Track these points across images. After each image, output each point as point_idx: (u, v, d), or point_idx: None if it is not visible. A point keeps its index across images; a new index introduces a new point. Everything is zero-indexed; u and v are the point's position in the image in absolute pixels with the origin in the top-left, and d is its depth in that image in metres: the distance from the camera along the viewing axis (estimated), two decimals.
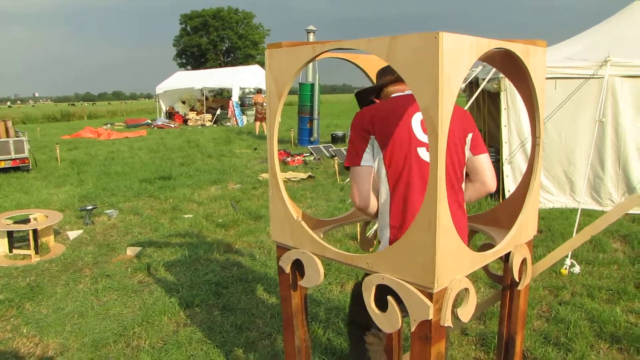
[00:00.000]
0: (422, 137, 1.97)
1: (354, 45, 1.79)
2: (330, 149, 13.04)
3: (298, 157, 12.23)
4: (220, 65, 50.24)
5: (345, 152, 12.43)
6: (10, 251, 5.35)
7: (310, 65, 14.69)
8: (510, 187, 6.72)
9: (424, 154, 1.96)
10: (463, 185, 2.12)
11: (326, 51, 1.91)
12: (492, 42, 1.74)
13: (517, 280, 2.16)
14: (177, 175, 9.83)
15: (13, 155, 10.17)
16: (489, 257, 1.96)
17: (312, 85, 15.05)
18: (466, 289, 1.79)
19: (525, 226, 2.17)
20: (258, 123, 18.59)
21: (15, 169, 10.45)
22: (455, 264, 1.73)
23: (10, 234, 5.32)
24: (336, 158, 11.18)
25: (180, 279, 4.59)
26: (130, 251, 5.43)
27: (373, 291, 1.85)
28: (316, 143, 15.08)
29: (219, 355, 3.24)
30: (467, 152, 2.12)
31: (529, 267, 2.21)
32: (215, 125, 24.41)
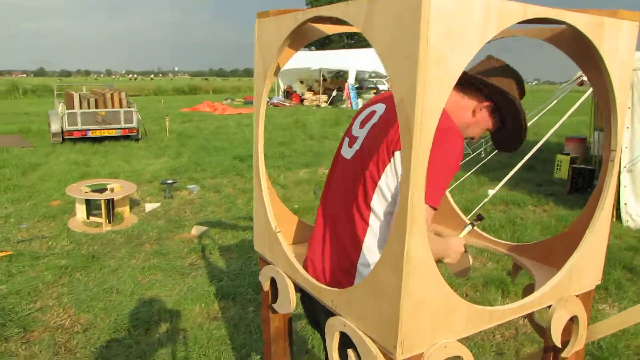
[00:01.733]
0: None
1: (331, 11, 1.33)
2: None
3: None
4: (343, 48, 50.40)
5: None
6: (88, 218, 5.57)
7: None
8: (628, 200, 5.67)
9: (345, 149, 1.60)
10: (372, 216, 1.48)
11: (311, 21, 1.47)
12: (529, 9, 1.18)
13: (559, 345, 1.56)
14: (272, 154, 9.78)
15: (123, 125, 10.84)
16: (508, 314, 1.40)
17: None
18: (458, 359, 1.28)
19: (580, 272, 1.55)
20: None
21: (125, 137, 11.14)
22: (439, 321, 1.23)
23: (88, 202, 5.53)
24: None
25: (230, 267, 4.40)
26: (195, 230, 5.38)
27: (336, 337, 1.40)
28: None
29: None
30: (393, 173, 1.43)
31: (581, 329, 1.59)
32: (330, 107, 24.45)
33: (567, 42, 1.58)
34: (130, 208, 6.04)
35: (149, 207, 6.21)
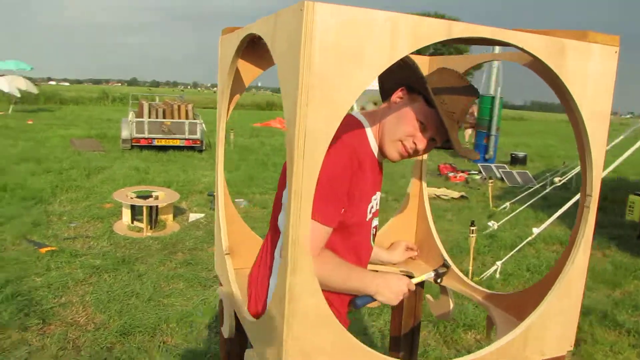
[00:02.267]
0: None
1: (255, 28, 1.26)
2: (501, 170, 11.70)
3: (462, 174, 11.27)
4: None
5: (519, 177, 11.05)
6: (132, 222, 5.80)
7: (493, 75, 13.42)
8: None
9: None
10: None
11: (249, 39, 1.41)
12: (454, 27, 1.05)
13: None
14: None
15: (187, 136, 11.28)
16: None
17: (493, 98, 13.72)
18: None
19: (541, 334, 1.36)
20: (469, 131, 17.77)
21: (189, 148, 11.59)
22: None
23: (133, 207, 5.76)
24: (491, 182, 9.82)
25: None
26: None
27: None
28: (491, 161, 13.75)
29: None
30: None
31: None
32: None
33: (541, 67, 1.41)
34: (175, 216, 6.22)
35: (193, 217, 6.37)
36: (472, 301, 1.75)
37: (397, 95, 1.42)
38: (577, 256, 1.31)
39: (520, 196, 8.00)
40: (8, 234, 5.12)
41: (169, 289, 4.16)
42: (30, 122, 16.48)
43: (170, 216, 6.09)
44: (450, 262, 1.81)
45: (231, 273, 1.60)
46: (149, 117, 11.11)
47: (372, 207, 1.47)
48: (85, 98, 32.03)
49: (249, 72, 1.73)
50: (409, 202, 2.10)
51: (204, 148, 11.86)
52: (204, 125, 11.93)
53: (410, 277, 1.59)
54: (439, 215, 7.40)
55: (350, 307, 1.50)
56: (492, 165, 12.08)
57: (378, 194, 1.52)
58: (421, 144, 1.39)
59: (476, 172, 11.61)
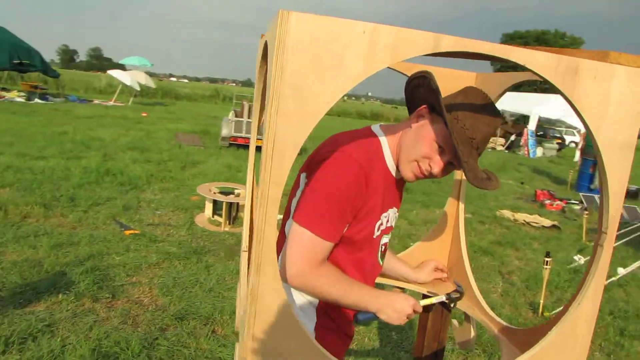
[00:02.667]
0: None
1: (267, 35, 1.31)
2: None
3: (559, 202, 10.56)
4: (534, 91, 47.37)
5: (625, 212, 10.09)
6: (212, 216, 6.12)
7: None
8: None
9: None
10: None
11: None
12: (444, 40, 1.01)
13: None
14: (417, 189, 9.58)
15: (244, 134, 11.55)
16: None
17: None
18: None
19: None
20: (578, 153, 16.76)
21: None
22: None
23: (215, 202, 6.08)
24: (587, 213, 9.07)
25: None
26: None
27: None
28: (596, 192, 12.69)
29: None
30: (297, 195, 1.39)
31: None
32: (506, 151, 23.10)
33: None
34: None
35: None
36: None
37: (419, 114, 1.39)
38: (584, 299, 1.20)
39: (620, 231, 7.31)
40: (102, 214, 5.64)
41: (232, 283, 4.33)
42: (144, 115, 17.93)
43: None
44: (473, 285, 1.73)
45: (243, 269, 1.65)
46: (249, 117, 11.62)
47: (381, 224, 1.45)
48: (199, 95, 34.31)
49: None
50: (446, 222, 2.03)
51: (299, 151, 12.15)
52: None
53: (428, 296, 1.56)
54: (525, 242, 7.01)
55: (354, 322, 1.50)
56: (595, 196, 11.14)
57: (391, 211, 1.50)
58: (437, 167, 1.36)
59: (577, 202, 10.81)
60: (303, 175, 1.39)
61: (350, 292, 1.33)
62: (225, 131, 11.63)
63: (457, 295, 1.57)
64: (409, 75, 1.44)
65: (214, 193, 6.07)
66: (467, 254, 1.90)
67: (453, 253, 2.00)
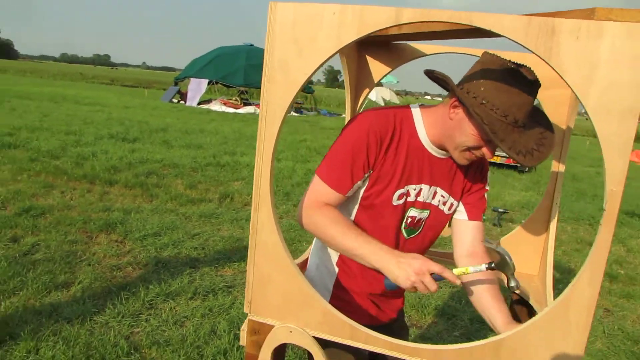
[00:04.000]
0: None
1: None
2: None
3: None
4: None
5: None
6: None
7: None
8: None
9: None
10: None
11: None
12: (404, 13, 1.11)
13: None
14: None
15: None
16: (374, 342, 1.27)
17: None
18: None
19: (522, 355, 1.20)
20: None
21: (509, 166, 11.39)
22: (289, 304, 1.34)
23: None
24: None
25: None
26: None
27: None
28: None
29: None
30: None
31: None
32: None
33: None
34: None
35: None
36: None
37: (454, 104, 1.37)
38: (579, 281, 1.11)
39: None
40: None
41: None
42: None
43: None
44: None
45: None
46: None
47: (406, 194, 1.45)
48: None
49: (378, 69, 1.96)
50: (541, 214, 1.93)
51: (525, 169, 11.47)
52: None
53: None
54: None
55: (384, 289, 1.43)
56: None
57: (425, 187, 1.48)
58: (488, 154, 1.38)
59: None
60: None
61: (350, 235, 1.31)
62: None
63: (503, 264, 1.41)
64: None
65: None
66: (552, 252, 1.77)
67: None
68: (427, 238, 1.59)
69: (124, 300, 3.35)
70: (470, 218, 1.59)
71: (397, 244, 1.51)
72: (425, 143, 1.46)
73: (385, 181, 1.42)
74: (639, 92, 1.01)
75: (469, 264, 1.51)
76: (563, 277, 4.97)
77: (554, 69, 1.06)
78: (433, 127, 1.45)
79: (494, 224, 6.68)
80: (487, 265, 1.38)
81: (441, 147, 1.46)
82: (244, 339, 1.41)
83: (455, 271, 1.33)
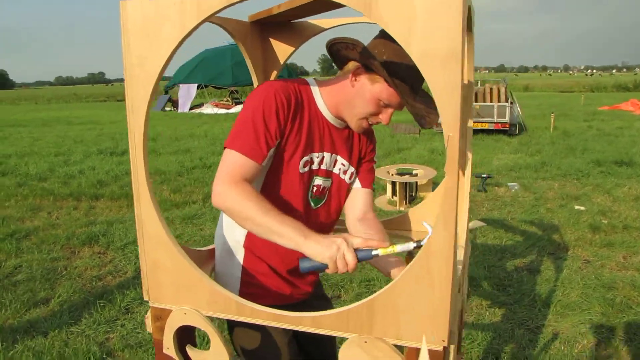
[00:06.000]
0: None
1: None
2: None
3: None
4: None
5: None
6: (392, 197, 6.39)
7: None
8: None
9: None
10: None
11: None
12: None
13: None
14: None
15: (495, 119, 11.08)
16: (259, 315, 1.32)
17: None
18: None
19: (396, 317, 1.23)
20: None
21: (498, 131, 11.35)
22: (180, 288, 1.39)
23: (394, 183, 6.34)
24: None
25: None
26: (472, 224, 5.39)
27: None
28: None
29: None
30: None
31: None
32: None
33: None
34: None
35: None
36: None
37: (357, 73, 1.40)
38: (435, 230, 1.14)
39: None
40: None
41: None
42: None
43: (430, 193, 6.38)
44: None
45: None
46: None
47: (310, 161, 1.48)
48: None
49: (282, 50, 1.99)
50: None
51: (516, 132, 11.43)
52: (518, 108, 11.48)
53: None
54: None
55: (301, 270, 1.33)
56: None
57: (328, 155, 1.52)
58: (385, 120, 1.45)
59: None
60: None
61: (271, 214, 1.26)
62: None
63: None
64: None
65: (392, 175, 6.33)
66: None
67: None
68: (333, 208, 1.63)
69: (101, 308, 3.44)
70: (364, 186, 1.66)
71: (306, 214, 1.53)
72: (325, 112, 1.51)
73: (292, 148, 1.44)
74: (457, 36, 1.03)
75: (361, 228, 1.57)
76: (545, 234, 4.99)
77: (377, 23, 1.09)
78: (331, 97, 1.49)
79: (479, 189, 6.70)
80: (415, 244, 1.28)
81: (339, 117, 1.51)
82: (149, 326, 1.47)
83: (382, 251, 1.24)
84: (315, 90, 1.51)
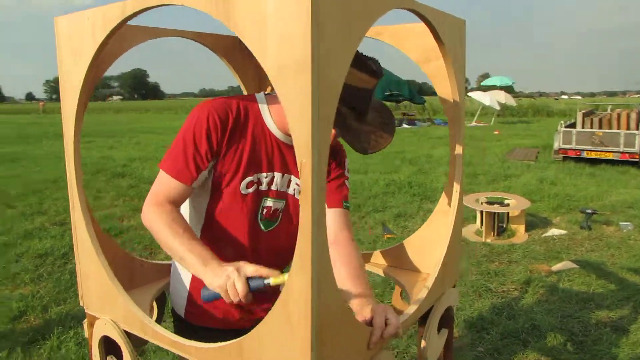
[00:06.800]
0: None
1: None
2: None
3: None
4: None
5: None
6: (481, 227, 5.94)
7: None
8: None
9: None
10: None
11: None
12: (128, 5, 1.14)
13: None
14: None
15: (622, 149, 9.82)
16: (161, 340, 1.26)
17: None
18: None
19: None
20: None
21: (626, 162, 10.05)
22: (104, 299, 1.41)
23: (482, 213, 5.88)
24: None
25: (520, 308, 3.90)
26: (561, 265, 4.83)
27: None
28: None
29: None
30: None
31: None
32: None
33: None
34: (531, 227, 5.93)
35: (552, 232, 5.87)
36: None
37: None
38: (292, 271, 1.01)
39: None
40: (375, 218, 6.34)
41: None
42: (496, 133, 17.95)
43: (522, 226, 5.84)
44: None
45: None
46: (583, 127, 10.38)
47: (256, 182, 1.43)
48: (573, 110, 31.55)
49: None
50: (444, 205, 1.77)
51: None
52: None
53: None
54: None
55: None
56: None
57: (278, 175, 1.46)
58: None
59: None
60: None
61: (178, 238, 1.25)
62: (556, 144, 10.71)
63: None
64: None
65: (481, 203, 5.90)
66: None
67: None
68: (289, 231, 1.54)
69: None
70: (330, 206, 1.53)
71: (256, 238, 1.48)
72: (274, 130, 1.44)
73: (232, 169, 1.39)
74: (307, 43, 0.91)
75: (332, 252, 1.44)
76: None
77: (234, 32, 1.01)
78: (279, 114, 1.42)
79: (582, 226, 5.98)
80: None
81: (289, 134, 1.42)
82: (86, 331, 1.50)
83: (272, 280, 1.17)
84: (264, 107, 1.44)
